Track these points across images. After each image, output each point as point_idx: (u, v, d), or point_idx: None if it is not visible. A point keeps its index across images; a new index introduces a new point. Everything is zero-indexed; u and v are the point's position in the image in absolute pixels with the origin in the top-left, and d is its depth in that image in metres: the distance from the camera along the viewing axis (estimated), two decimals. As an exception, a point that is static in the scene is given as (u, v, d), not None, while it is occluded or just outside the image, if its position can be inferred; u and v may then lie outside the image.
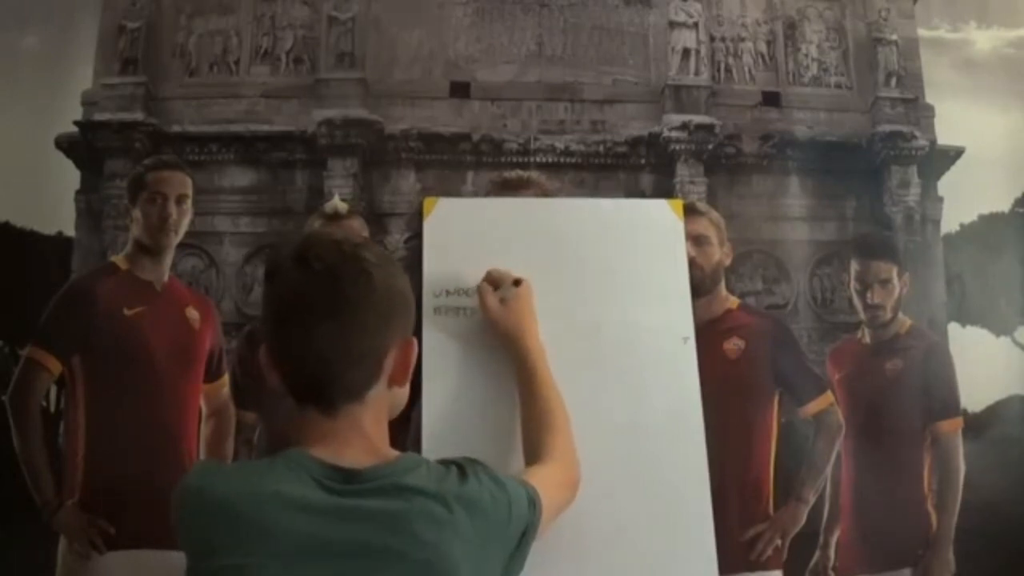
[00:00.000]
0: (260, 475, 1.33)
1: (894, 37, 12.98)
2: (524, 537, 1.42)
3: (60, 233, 13.13)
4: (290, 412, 1.41)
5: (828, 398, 3.07)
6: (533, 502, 1.44)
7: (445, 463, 1.40)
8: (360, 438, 1.37)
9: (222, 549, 1.28)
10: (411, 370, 1.44)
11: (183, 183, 3.06)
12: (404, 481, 1.33)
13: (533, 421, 1.60)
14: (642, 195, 12.16)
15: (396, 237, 11.94)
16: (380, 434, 1.40)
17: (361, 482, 1.33)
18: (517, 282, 1.67)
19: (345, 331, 1.35)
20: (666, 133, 12.45)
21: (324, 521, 1.29)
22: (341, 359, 1.36)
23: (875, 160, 12.62)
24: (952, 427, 3.37)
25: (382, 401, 1.41)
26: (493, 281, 1.68)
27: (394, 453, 1.40)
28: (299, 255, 1.37)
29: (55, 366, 2.94)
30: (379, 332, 1.38)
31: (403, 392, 1.45)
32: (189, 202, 3.06)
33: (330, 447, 1.36)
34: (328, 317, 1.35)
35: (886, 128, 12.57)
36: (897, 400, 3.35)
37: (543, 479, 1.49)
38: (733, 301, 3.08)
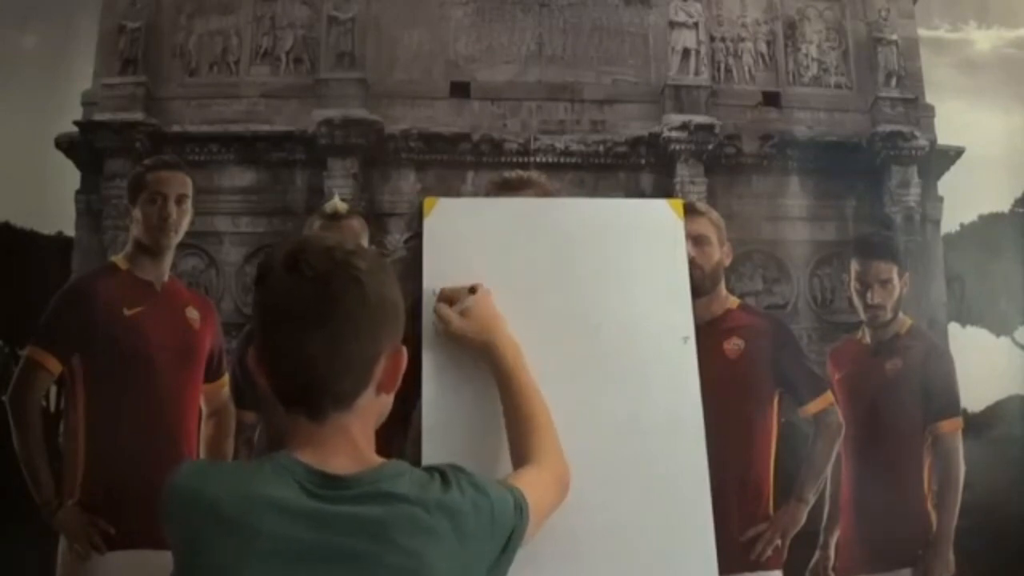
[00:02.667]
0: (247, 477, 1.34)
1: (894, 37, 12.98)
2: (509, 542, 1.42)
3: (60, 233, 13.13)
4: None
5: (828, 398, 3.07)
6: (520, 506, 1.43)
7: (429, 470, 1.40)
8: (347, 444, 1.37)
9: (206, 549, 1.29)
10: (400, 378, 1.44)
11: (183, 183, 3.06)
12: (387, 488, 1.34)
13: (516, 424, 1.59)
14: (642, 195, 12.16)
15: (396, 237, 11.93)
16: (367, 440, 1.40)
17: (345, 488, 1.33)
18: (473, 289, 1.66)
19: (335, 339, 1.35)
20: (666, 133, 12.45)
21: (307, 526, 1.29)
22: (330, 367, 1.35)
23: (875, 160, 12.62)
24: (952, 427, 3.37)
25: (371, 408, 1.41)
26: (447, 299, 1.66)
27: (379, 460, 1.40)
28: (290, 260, 1.36)
29: (55, 366, 2.94)
30: (369, 341, 1.37)
31: (390, 398, 1.45)
32: (189, 202, 3.06)
33: (317, 453, 1.36)
34: (318, 325, 1.34)
35: (886, 128, 12.57)
36: (897, 400, 3.35)
37: (530, 481, 1.49)
38: (733, 301, 3.09)
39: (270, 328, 1.37)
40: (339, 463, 1.35)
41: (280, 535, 1.28)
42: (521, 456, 1.56)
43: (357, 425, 1.39)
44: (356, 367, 1.37)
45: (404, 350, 1.43)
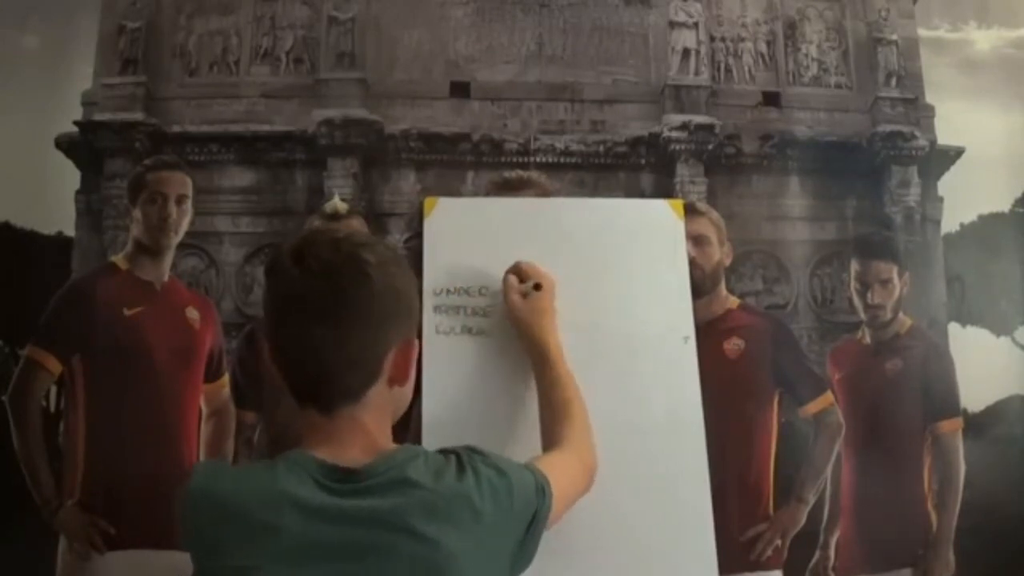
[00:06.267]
0: (264, 476, 1.33)
1: (894, 37, 12.97)
2: (532, 524, 1.41)
3: (60, 233, 13.12)
4: (291, 411, 1.41)
5: (828, 398, 3.07)
6: (542, 488, 1.42)
7: (445, 453, 1.40)
8: (360, 436, 1.37)
9: (226, 550, 1.28)
10: (412, 370, 1.43)
11: (183, 183, 3.06)
12: (402, 474, 1.33)
13: (549, 410, 1.60)
14: (642, 195, 12.15)
15: (396, 237, 11.93)
16: (381, 431, 1.40)
17: (360, 480, 1.33)
18: (537, 286, 1.67)
19: (342, 332, 1.34)
20: (666, 133, 12.44)
21: (323, 522, 1.29)
22: (338, 360, 1.35)
23: (875, 160, 12.62)
24: (952, 427, 3.37)
25: (382, 400, 1.40)
26: (519, 273, 1.69)
27: (393, 446, 1.39)
28: (297, 253, 1.36)
29: (55, 366, 2.95)
30: (377, 334, 1.37)
31: (406, 391, 1.44)
32: (189, 202, 3.07)
33: (330, 447, 1.36)
34: (324, 318, 1.34)
35: (886, 128, 12.56)
36: (897, 400, 3.35)
37: (555, 466, 1.48)
38: (733, 301, 3.09)
39: (278, 322, 1.37)
40: (352, 455, 1.35)
41: (297, 532, 1.28)
42: (550, 441, 1.56)
43: (369, 417, 1.38)
44: (364, 360, 1.37)
45: (415, 342, 1.42)
